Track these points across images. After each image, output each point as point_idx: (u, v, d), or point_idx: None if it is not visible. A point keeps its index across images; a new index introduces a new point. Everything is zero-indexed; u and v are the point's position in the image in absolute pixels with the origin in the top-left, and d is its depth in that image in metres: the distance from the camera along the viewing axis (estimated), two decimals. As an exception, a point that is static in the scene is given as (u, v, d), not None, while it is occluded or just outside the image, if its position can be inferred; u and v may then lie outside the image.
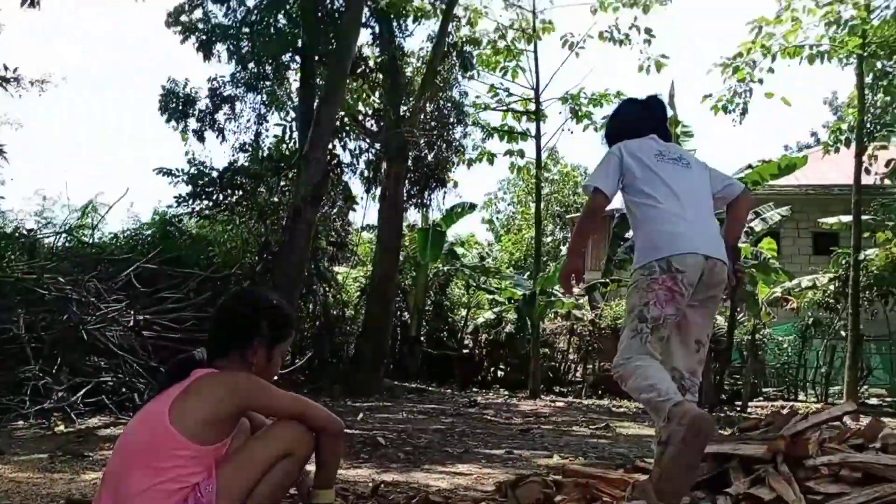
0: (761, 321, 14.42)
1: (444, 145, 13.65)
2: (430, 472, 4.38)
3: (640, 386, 2.61)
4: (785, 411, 4.00)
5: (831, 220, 15.13)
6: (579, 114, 16.11)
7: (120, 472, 2.03)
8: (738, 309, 14.53)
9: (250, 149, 11.92)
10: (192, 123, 12.41)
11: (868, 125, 13.32)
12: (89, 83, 58.52)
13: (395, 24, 12.72)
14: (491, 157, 16.37)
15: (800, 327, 15.30)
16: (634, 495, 2.55)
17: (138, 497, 1.96)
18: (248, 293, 2.42)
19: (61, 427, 5.50)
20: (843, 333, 13.74)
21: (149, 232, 10.02)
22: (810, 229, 18.38)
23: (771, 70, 12.84)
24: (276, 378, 2.45)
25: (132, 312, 7.13)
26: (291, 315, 2.42)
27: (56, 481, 3.62)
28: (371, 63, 13.04)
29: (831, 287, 14.26)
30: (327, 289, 12.33)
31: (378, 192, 13.12)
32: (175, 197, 10.54)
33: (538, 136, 15.78)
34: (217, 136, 12.51)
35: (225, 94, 12.52)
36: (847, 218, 13.53)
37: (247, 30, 11.52)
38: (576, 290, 3.00)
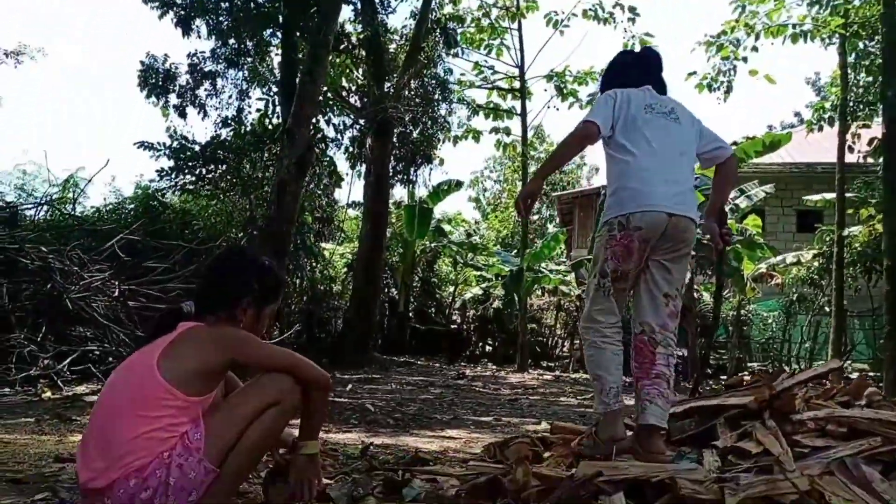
0: (746, 297, 14.57)
1: (430, 122, 13.57)
2: (419, 436, 4.40)
3: (590, 368, 2.88)
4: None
5: (815, 197, 15.25)
6: (564, 91, 16.10)
7: (108, 420, 2.01)
8: (724, 284, 14.68)
9: (233, 123, 11.76)
10: (173, 99, 12.21)
11: (851, 104, 13.37)
12: (68, 60, 57.53)
13: (377, -1, 12.59)
14: (477, 135, 16.36)
15: (784, 303, 15.46)
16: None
17: (127, 444, 1.94)
18: (240, 251, 2.42)
19: (48, 394, 5.47)
20: (827, 309, 13.90)
21: (131, 206, 9.90)
22: (794, 207, 18.51)
23: (755, 48, 12.81)
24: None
25: (117, 283, 7.06)
26: (281, 277, 2.42)
27: (44, 442, 3.61)
28: (354, 39, 12.89)
29: (815, 263, 14.40)
30: (314, 264, 12.28)
31: (363, 168, 13.06)
32: (157, 171, 10.41)
33: (524, 114, 15.76)
34: (198, 112, 12.33)
35: (206, 69, 12.31)
36: (831, 195, 13.63)
37: (226, 4, 11.32)
38: (530, 215, 2.98)
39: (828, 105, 14.04)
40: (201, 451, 1.98)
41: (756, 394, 2.76)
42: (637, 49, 3.30)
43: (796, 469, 2.29)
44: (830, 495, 2.08)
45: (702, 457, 2.64)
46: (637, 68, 3.07)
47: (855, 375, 13.60)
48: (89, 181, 9.20)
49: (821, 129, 13.86)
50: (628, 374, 2.88)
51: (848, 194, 12.91)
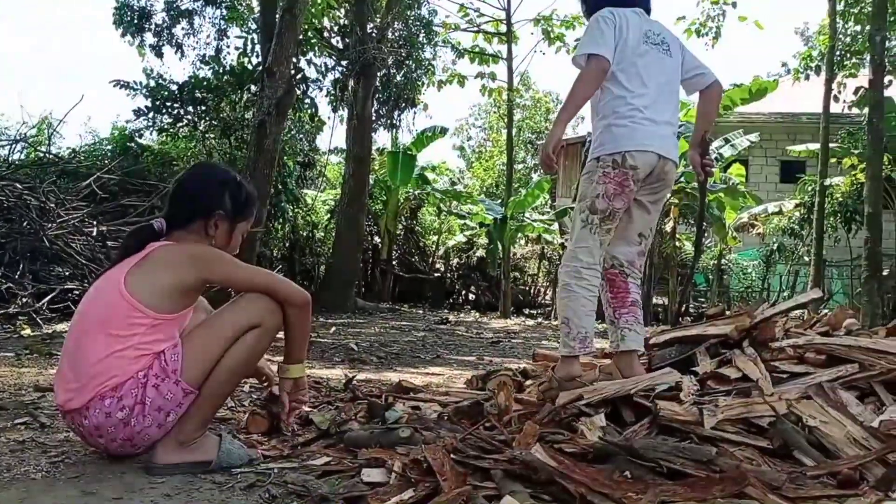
0: (727, 246, 14.70)
1: (414, 65, 13.31)
2: (403, 372, 4.42)
3: (560, 311, 2.80)
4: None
5: (799, 147, 15.29)
6: (552, 36, 15.85)
7: (79, 342, 1.97)
8: (705, 234, 14.79)
9: (211, 63, 11.45)
10: (149, 38, 11.89)
11: (838, 53, 13.28)
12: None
13: (360, -66, 12.17)
14: (462, 80, 16.11)
15: (764, 253, 15.63)
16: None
17: (98, 364, 1.91)
18: (210, 166, 2.33)
19: (27, 331, 5.43)
20: (806, 259, 14.07)
21: (109, 147, 9.68)
22: (778, 157, 18.56)
23: (743, -8, 12.68)
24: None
25: (94, 223, 6.94)
26: (253, 192, 2.34)
27: (24, 374, 3.59)
28: (336, -24, 12.53)
29: (797, 213, 14.53)
30: (296, 210, 12.16)
31: (345, 112, 12.84)
32: (134, 111, 10.13)
33: (510, 59, 15.53)
34: (176, 52, 12.03)
35: (182, 7, 11.95)
36: (815, 146, 13.66)
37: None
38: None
39: (815, 54, 13.96)
40: (178, 372, 1.95)
41: (736, 322, 2.78)
42: None
43: (774, 393, 2.32)
44: (807, 417, 2.11)
45: (681, 382, 2.67)
46: None
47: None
48: (63, 118, 9.01)
49: (807, 77, 13.82)
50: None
51: (832, 145, 12.94)
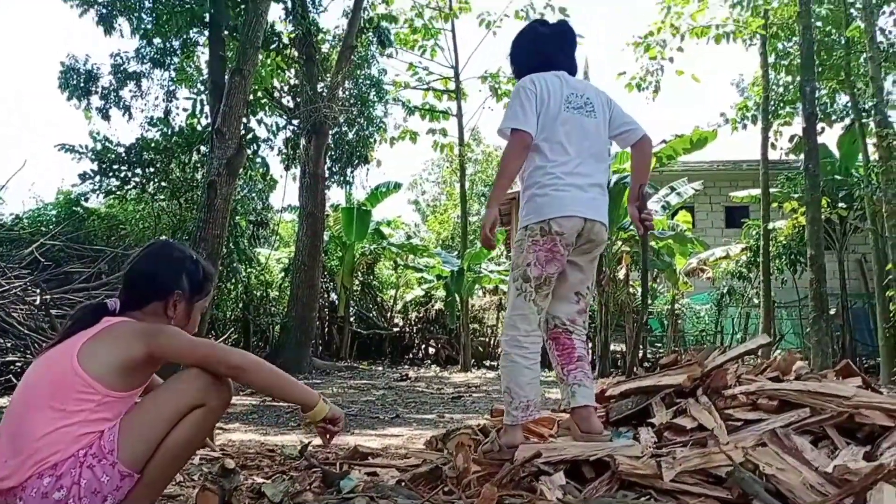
0: (679, 291, 14.98)
1: (366, 122, 13.45)
2: (361, 435, 4.32)
3: (503, 380, 2.80)
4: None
5: (741, 193, 15.83)
6: (499, 92, 16.27)
7: (22, 415, 1.87)
8: (657, 279, 15.06)
9: (160, 124, 11.36)
10: (96, 101, 11.73)
11: (772, 103, 13.94)
12: (-16, 65, 54.73)
13: (307, -3, 12.43)
14: (414, 136, 16.36)
15: (716, 296, 15.95)
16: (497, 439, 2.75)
17: (42, 439, 1.81)
18: (165, 244, 2.26)
19: (-35, 406, 5.13)
20: (756, 301, 14.41)
21: (53, 212, 9.44)
22: (722, 203, 19.16)
23: (680, 49, 13.22)
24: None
25: (38, 291, 6.70)
26: (210, 270, 2.30)
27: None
28: (285, 39, 12.68)
29: (743, 257, 14.93)
30: (249, 269, 11.98)
31: (298, 170, 12.84)
32: (80, 175, 9.93)
33: (459, 115, 15.85)
34: (123, 114, 11.88)
35: (130, 70, 11.89)
36: (756, 191, 14.18)
37: (150, 3, 10.96)
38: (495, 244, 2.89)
39: (751, 104, 14.61)
40: (114, 454, 1.86)
41: (688, 372, 2.80)
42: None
43: (730, 441, 2.33)
44: (764, 465, 2.12)
45: (638, 434, 2.67)
46: (554, 44, 2.94)
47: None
48: (5, 185, 8.72)
49: (745, 127, 14.42)
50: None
51: (772, 189, 13.44)
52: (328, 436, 2.21)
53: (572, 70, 2.95)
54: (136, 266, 2.18)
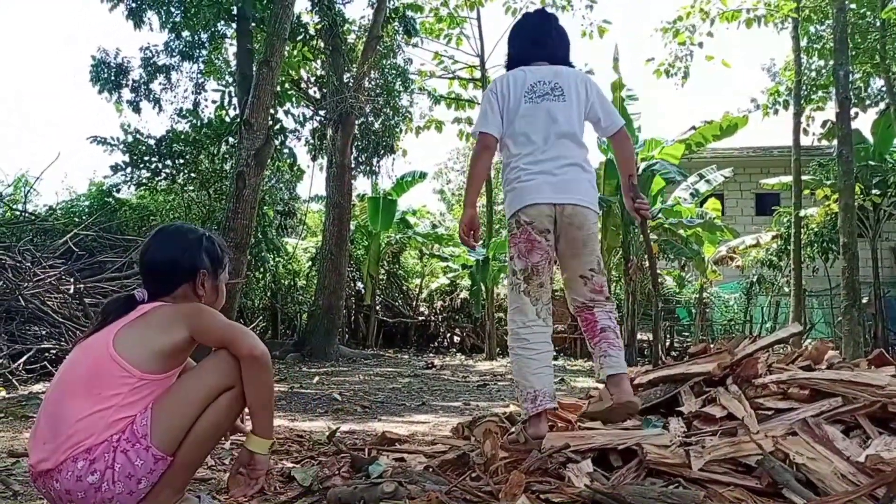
0: (708, 280, 14.81)
1: (392, 112, 13.47)
2: (388, 422, 4.35)
3: (514, 372, 2.83)
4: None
5: (772, 180, 15.56)
6: (525, 80, 16.13)
7: (60, 400, 1.92)
8: (685, 266, 14.91)
9: (189, 116, 11.50)
10: (127, 94, 11.89)
11: (804, 88, 13.65)
12: (17, 55, 55.82)
13: (333, -12, 12.43)
14: (439, 125, 16.33)
15: (745, 285, 15.75)
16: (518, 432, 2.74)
17: (77, 423, 1.85)
18: (177, 229, 2.29)
19: (2, 393, 5.27)
20: (786, 289, 14.19)
21: (86, 203, 9.63)
22: (752, 190, 18.88)
23: (710, 34, 13.01)
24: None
25: (72, 280, 6.84)
26: (222, 240, 2.35)
27: (-2, 439, 3.48)
28: (311, 30, 12.73)
29: (774, 245, 14.71)
30: (277, 259, 12.11)
31: (325, 160, 12.91)
32: (111, 166, 10.10)
33: (486, 103, 15.75)
34: (153, 107, 12.05)
35: (159, 63, 12.05)
36: (787, 178, 13.91)
37: (178, -4, 11.07)
38: (476, 244, 2.93)
39: (782, 89, 14.33)
40: (148, 438, 1.90)
41: (718, 360, 2.78)
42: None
43: (760, 431, 2.31)
44: (794, 454, 2.10)
45: (668, 423, 2.65)
46: (524, 39, 3.00)
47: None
48: (40, 176, 8.95)
49: (776, 112, 14.17)
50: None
51: (804, 177, 13.19)
52: (248, 479, 2.10)
53: (555, 56, 2.95)
54: (154, 256, 2.19)
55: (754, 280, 15.45)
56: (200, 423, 1.97)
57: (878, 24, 12.81)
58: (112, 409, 1.88)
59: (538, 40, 2.98)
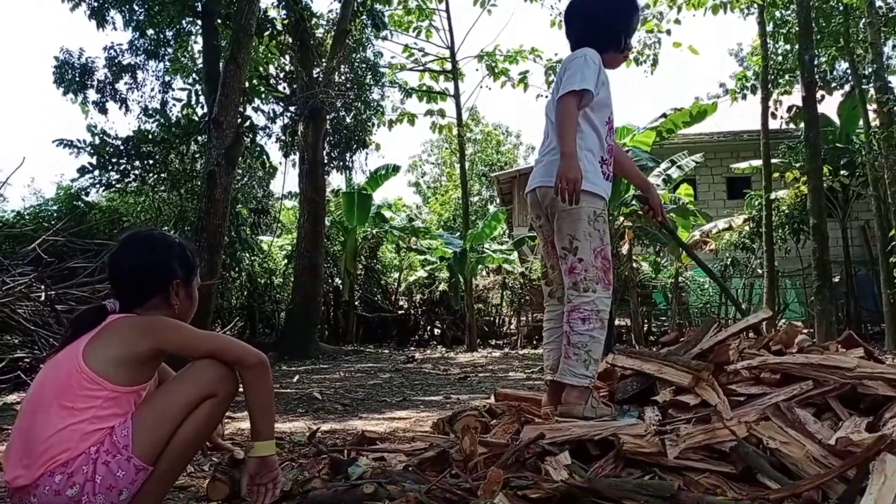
0: (683, 264, 14.97)
1: (363, 106, 13.39)
2: (368, 420, 4.35)
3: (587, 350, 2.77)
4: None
5: (743, 164, 15.75)
6: (496, 71, 16.15)
7: (33, 415, 1.89)
8: (659, 252, 15.05)
9: (156, 116, 11.33)
10: (92, 95, 11.72)
11: (771, 73, 13.81)
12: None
13: (299, -18, 12.30)
14: (412, 118, 16.27)
15: (719, 268, 15.94)
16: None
17: (51, 438, 1.83)
18: (148, 236, 2.24)
19: (-25, 405, 5.18)
20: (759, 271, 14.40)
21: (54, 207, 9.44)
22: (724, 175, 19.08)
23: (678, 21, 13.13)
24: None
25: (43, 286, 6.72)
26: (191, 245, 2.32)
27: (-32, 455, 3.40)
28: (278, 25, 12.59)
29: (746, 228, 14.89)
30: (252, 257, 12.00)
31: (297, 157, 12.81)
32: (78, 169, 9.92)
33: (457, 95, 15.76)
34: (120, 107, 11.87)
35: (124, 62, 11.85)
36: (757, 162, 14.10)
37: (141, -6, 10.88)
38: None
39: (750, 74, 14.49)
40: (129, 448, 1.88)
41: (695, 373, 2.79)
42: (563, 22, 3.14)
43: (733, 417, 2.34)
44: (767, 439, 2.14)
45: (643, 412, 2.68)
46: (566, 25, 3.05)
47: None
48: (5, 182, 8.71)
49: (745, 97, 14.32)
50: None
51: (773, 160, 13.37)
52: (266, 486, 2.08)
53: (571, 45, 2.98)
54: (124, 264, 2.15)
55: (728, 263, 15.64)
56: (181, 432, 1.96)
57: (841, 7, 12.99)
58: (86, 422, 1.86)
59: (567, 29, 3.05)
